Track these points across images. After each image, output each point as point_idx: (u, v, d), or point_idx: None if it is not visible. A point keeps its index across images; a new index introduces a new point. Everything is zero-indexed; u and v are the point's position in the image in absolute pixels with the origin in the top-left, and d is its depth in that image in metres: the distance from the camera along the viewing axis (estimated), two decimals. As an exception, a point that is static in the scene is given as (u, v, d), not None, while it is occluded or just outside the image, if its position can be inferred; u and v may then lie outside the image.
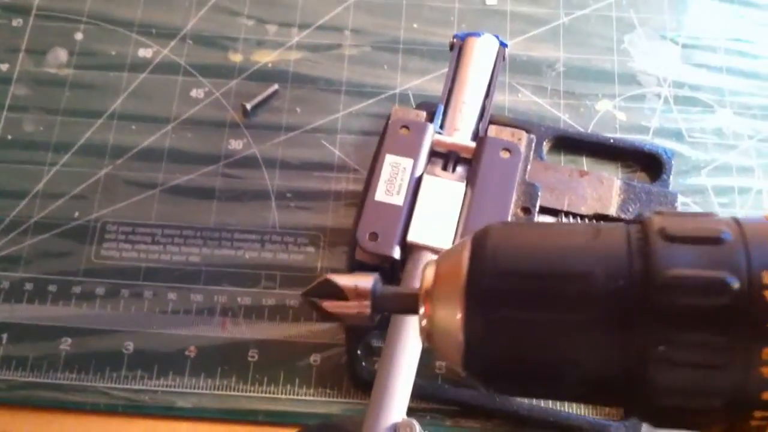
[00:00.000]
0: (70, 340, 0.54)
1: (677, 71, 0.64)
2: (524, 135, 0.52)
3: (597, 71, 0.63)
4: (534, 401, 0.52)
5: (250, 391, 0.53)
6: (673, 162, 0.58)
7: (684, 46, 0.65)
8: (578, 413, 0.52)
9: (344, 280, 0.34)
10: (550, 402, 0.52)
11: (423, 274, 0.32)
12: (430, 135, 0.51)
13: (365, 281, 0.34)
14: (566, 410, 0.52)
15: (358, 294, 0.34)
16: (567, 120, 0.61)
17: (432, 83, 0.62)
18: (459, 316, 0.30)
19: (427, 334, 0.32)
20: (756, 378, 0.27)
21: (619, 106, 0.62)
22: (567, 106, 0.62)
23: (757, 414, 0.28)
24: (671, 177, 0.58)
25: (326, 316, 0.34)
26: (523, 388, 0.33)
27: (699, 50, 0.64)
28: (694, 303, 0.28)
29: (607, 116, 0.62)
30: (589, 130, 0.61)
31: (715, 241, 0.29)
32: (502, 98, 0.62)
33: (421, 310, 0.32)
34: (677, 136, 0.61)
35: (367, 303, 0.34)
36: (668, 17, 0.66)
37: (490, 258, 0.31)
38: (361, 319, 0.34)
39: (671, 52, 0.64)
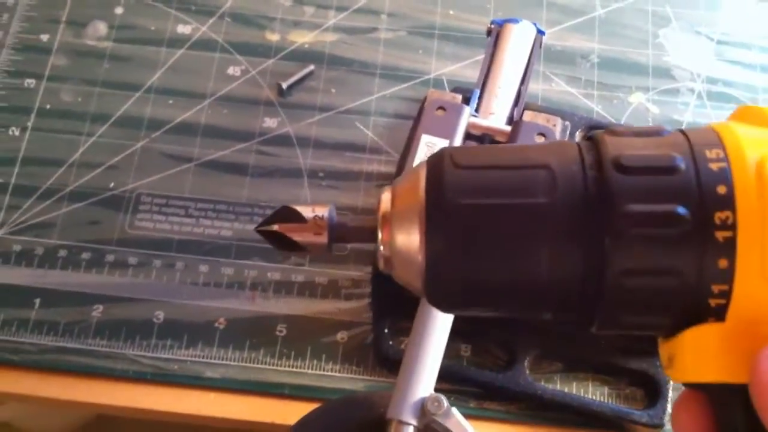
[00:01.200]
0: (101, 307, 0.55)
1: (711, 67, 0.64)
2: (559, 121, 0.52)
3: (631, 64, 0.64)
4: (557, 386, 0.53)
5: (277, 365, 0.53)
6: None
7: (719, 42, 0.65)
8: (601, 400, 0.52)
9: (302, 207, 0.34)
10: (574, 387, 0.53)
11: (380, 199, 0.32)
12: (466, 117, 0.51)
13: (322, 209, 0.34)
14: (590, 396, 0.52)
15: (316, 222, 0.33)
16: (600, 111, 0.62)
17: (466, 70, 0.63)
18: (418, 235, 0.30)
19: (386, 261, 0.32)
20: (708, 271, 0.28)
21: (652, 99, 0.62)
22: (600, 98, 0.62)
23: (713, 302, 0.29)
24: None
25: (285, 244, 0.34)
26: (483, 306, 0.33)
27: (733, 47, 0.65)
28: (650, 233, 0.29)
29: (640, 109, 0.62)
30: (621, 122, 0.61)
31: (668, 170, 0.29)
32: (535, 87, 0.62)
33: (379, 236, 0.32)
34: (709, 130, 0.61)
35: (325, 232, 0.33)
36: (703, 13, 0.66)
37: (447, 161, 0.31)
38: (318, 248, 0.34)
39: (706, 47, 0.65)
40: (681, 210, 0.28)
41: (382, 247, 0.32)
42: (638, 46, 0.64)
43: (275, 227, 0.34)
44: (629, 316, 0.30)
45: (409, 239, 0.30)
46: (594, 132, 0.31)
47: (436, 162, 0.31)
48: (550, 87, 0.63)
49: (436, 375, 0.45)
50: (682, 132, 0.30)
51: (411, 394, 0.44)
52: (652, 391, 0.52)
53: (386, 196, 0.32)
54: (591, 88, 0.63)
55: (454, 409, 0.44)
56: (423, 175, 0.31)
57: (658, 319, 0.30)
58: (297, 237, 0.34)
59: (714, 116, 0.61)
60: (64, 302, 0.55)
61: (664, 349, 0.32)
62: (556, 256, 0.29)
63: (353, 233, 0.34)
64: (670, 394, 0.52)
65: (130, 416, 0.54)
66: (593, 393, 0.53)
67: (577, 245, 0.29)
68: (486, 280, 0.31)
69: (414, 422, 0.43)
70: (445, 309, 0.33)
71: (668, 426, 0.51)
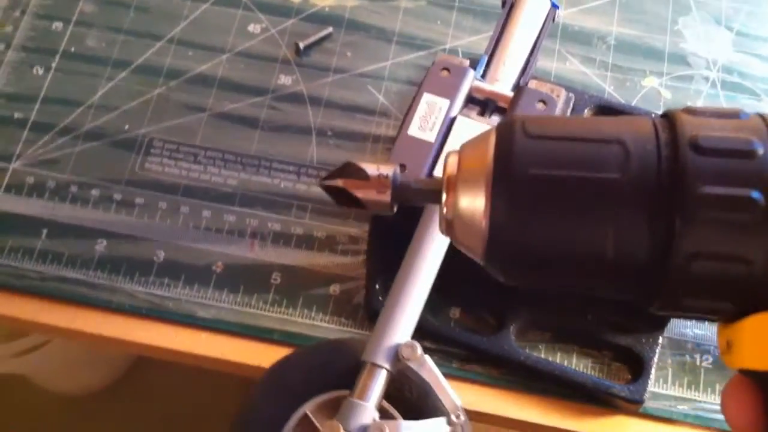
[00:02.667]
0: (105, 242, 0.56)
1: (728, 57, 0.64)
2: (563, 91, 0.52)
3: (647, 48, 0.64)
4: (542, 354, 0.53)
5: (269, 311, 0.55)
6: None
7: (738, 33, 0.65)
8: (584, 371, 0.53)
9: (367, 165, 0.34)
10: (558, 358, 0.53)
11: (446, 162, 0.31)
12: (470, 80, 0.52)
13: (387, 168, 0.33)
14: (572, 367, 0.53)
15: (379, 180, 0.33)
16: (611, 92, 0.62)
17: (482, 43, 0.63)
18: (483, 201, 0.30)
19: (448, 224, 0.31)
20: None
21: (665, 84, 0.62)
22: (613, 79, 0.62)
23: None
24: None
25: (347, 199, 0.34)
26: (544, 277, 0.32)
27: (752, 39, 0.64)
28: (722, 217, 0.28)
29: (652, 93, 0.62)
30: (632, 105, 0.61)
31: (746, 154, 0.28)
32: (549, 64, 0.63)
33: (444, 198, 0.31)
34: (720, 118, 0.61)
35: (388, 190, 0.33)
36: (726, 4, 0.66)
37: (518, 129, 0.30)
38: (381, 206, 0.33)
39: (724, 38, 0.64)
40: (756, 195, 0.28)
41: (444, 210, 0.31)
42: (656, 31, 0.64)
43: (339, 182, 0.34)
44: (691, 300, 0.30)
45: (474, 205, 0.30)
46: (670, 110, 0.31)
47: (506, 128, 0.31)
48: (564, 65, 0.63)
49: (414, 324, 0.46)
50: (761, 116, 0.30)
51: (387, 339, 0.45)
52: (635, 368, 0.53)
53: (453, 159, 0.31)
54: (605, 69, 0.63)
55: (427, 357, 0.45)
56: (492, 140, 0.31)
57: (720, 304, 0.30)
58: (360, 194, 0.33)
59: (726, 105, 0.61)
60: (69, 234, 0.57)
61: (723, 334, 0.31)
62: (623, 233, 0.29)
63: (416, 194, 0.34)
64: (653, 372, 0.52)
65: (132, 352, 0.56)
66: (577, 365, 0.53)
67: (645, 224, 0.28)
68: (548, 253, 0.30)
69: (387, 366, 0.44)
70: (503, 277, 0.32)
71: (648, 403, 0.52)
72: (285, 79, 0.62)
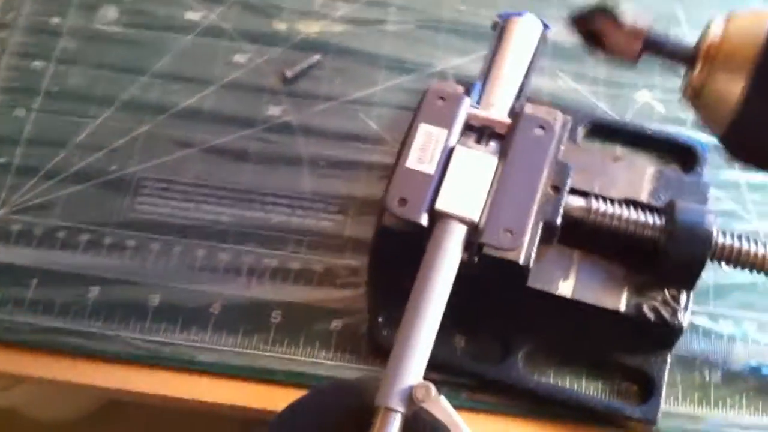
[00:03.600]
0: (98, 289, 0.55)
1: (720, 67, 0.63)
2: (559, 114, 0.51)
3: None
4: (552, 379, 0.52)
5: (270, 351, 0.53)
6: (708, 156, 0.58)
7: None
8: (594, 394, 0.52)
9: (622, 13, 0.33)
10: (567, 381, 0.52)
11: (708, 30, 0.30)
12: (466, 107, 0.51)
13: (643, 19, 0.33)
14: (582, 390, 0.52)
15: (634, 28, 0.33)
16: (604, 108, 0.61)
17: (472, 64, 0.63)
18: (742, 83, 0.28)
19: (695, 93, 0.30)
20: None
21: (658, 98, 0.62)
22: (606, 95, 0.62)
23: None
24: (705, 170, 0.57)
25: (595, 41, 0.34)
26: None
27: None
28: None
29: (646, 107, 0.61)
30: (626, 120, 0.61)
31: None
32: (541, 83, 0.62)
33: (697, 68, 0.30)
34: (715, 130, 0.60)
35: (640, 40, 0.32)
36: (715, 13, 0.65)
37: None
38: (628, 53, 0.33)
39: (716, 48, 0.64)
40: None
41: (697, 79, 0.30)
42: (647, 44, 0.64)
43: (594, 23, 0.34)
44: None
45: (730, 84, 0.29)
46: None
47: None
48: (556, 84, 0.62)
49: (426, 363, 0.45)
50: None
51: (400, 381, 0.44)
52: (646, 388, 0.52)
53: (717, 29, 0.30)
54: (597, 84, 0.62)
55: (442, 398, 0.44)
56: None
57: None
58: (611, 38, 0.34)
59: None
60: (60, 283, 0.55)
61: None
62: None
63: (669, 49, 0.33)
64: (664, 391, 0.51)
65: (131, 400, 0.54)
66: (587, 387, 0.52)
67: None
68: None
69: (402, 409, 0.43)
70: (736, 160, 0.32)
71: (661, 423, 0.51)
72: (274, 110, 0.61)
